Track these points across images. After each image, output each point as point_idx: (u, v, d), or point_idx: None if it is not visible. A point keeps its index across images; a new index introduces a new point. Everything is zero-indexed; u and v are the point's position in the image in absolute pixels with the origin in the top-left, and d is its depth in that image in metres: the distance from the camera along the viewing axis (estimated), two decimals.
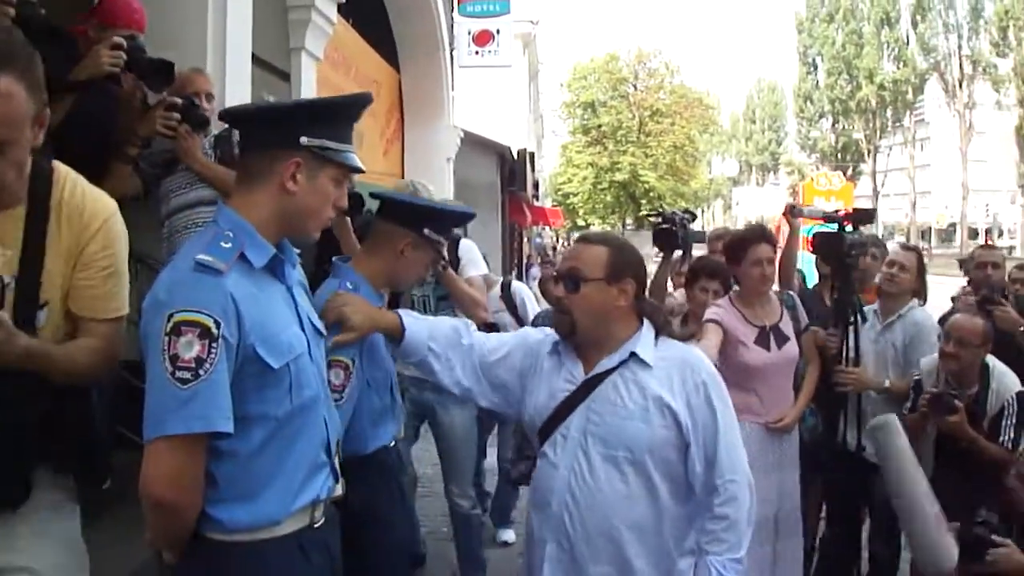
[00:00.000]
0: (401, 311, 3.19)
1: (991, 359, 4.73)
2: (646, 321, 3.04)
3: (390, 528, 3.28)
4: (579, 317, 2.96)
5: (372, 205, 3.61)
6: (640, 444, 2.86)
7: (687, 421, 2.86)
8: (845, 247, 5.05)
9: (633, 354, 2.94)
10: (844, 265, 5.09)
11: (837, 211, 5.58)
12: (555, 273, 3.17)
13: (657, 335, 3.03)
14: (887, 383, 5.10)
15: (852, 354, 5.11)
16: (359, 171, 2.53)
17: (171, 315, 2.05)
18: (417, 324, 3.17)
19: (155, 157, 4.26)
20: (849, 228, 5.13)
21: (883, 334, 5.31)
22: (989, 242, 6.00)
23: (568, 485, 2.92)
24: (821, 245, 5.31)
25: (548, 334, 3.20)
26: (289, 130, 2.35)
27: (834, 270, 5.27)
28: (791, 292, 5.45)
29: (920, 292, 5.47)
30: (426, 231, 3.23)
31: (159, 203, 4.35)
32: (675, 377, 2.91)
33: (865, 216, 5.26)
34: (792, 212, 5.91)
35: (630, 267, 3.00)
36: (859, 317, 5.16)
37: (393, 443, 3.54)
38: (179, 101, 4.14)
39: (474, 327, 3.39)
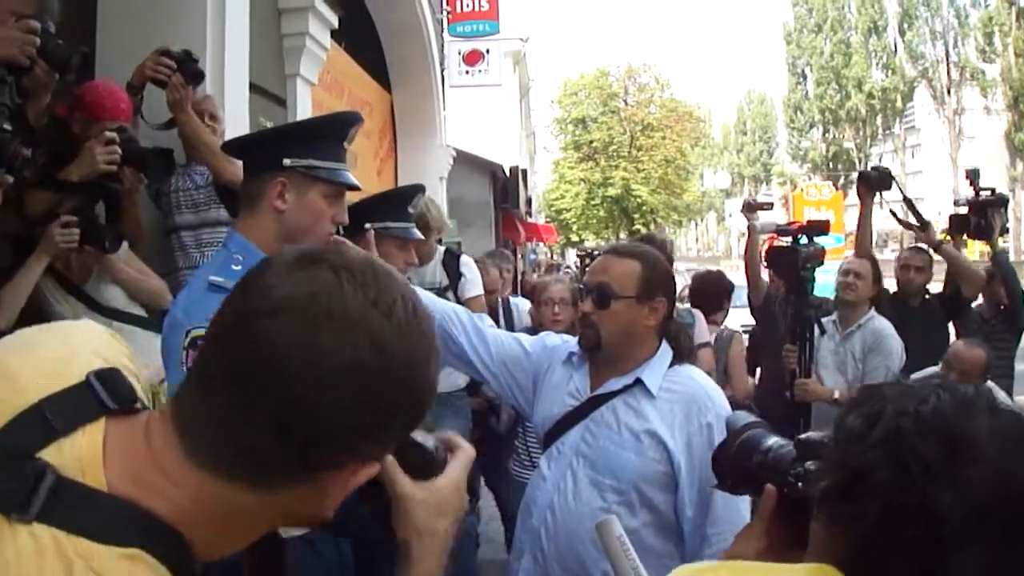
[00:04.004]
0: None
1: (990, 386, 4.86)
2: (664, 344, 2.92)
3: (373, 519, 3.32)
4: (606, 334, 2.85)
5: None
6: (627, 474, 2.75)
7: (681, 461, 2.73)
8: (800, 260, 5.05)
9: (639, 380, 2.83)
10: (799, 278, 5.09)
11: (791, 223, 5.61)
12: (581, 286, 3.03)
13: (676, 361, 2.91)
14: (836, 394, 5.15)
15: (808, 366, 5.16)
16: (353, 188, 2.66)
17: (189, 331, 2.21)
18: (428, 295, 3.06)
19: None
20: (804, 240, 5.13)
21: (843, 344, 5.37)
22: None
23: (551, 501, 2.85)
24: (776, 259, 5.29)
25: (566, 340, 3.10)
26: (272, 153, 2.50)
27: (789, 284, 5.26)
28: (691, 309, 5.53)
29: (878, 299, 5.57)
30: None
31: (170, 210, 4.33)
32: (679, 413, 2.78)
33: (819, 228, 5.29)
34: (749, 208, 6.02)
35: (662, 285, 2.90)
36: (816, 330, 5.21)
37: None
38: (174, 52, 4.03)
39: (489, 321, 3.27)
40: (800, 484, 1.55)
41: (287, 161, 2.48)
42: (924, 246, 6.22)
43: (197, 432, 0.99)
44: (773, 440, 1.70)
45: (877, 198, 6.14)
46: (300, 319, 0.96)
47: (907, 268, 6.16)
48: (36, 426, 0.97)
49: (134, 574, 0.91)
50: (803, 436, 1.61)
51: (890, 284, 6.19)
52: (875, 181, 5.98)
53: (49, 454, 0.95)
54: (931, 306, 6.13)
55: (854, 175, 51.07)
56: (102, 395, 1.02)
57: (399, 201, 3.84)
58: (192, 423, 1.00)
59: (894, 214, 6.26)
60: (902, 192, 6.05)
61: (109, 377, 1.05)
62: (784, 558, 1.52)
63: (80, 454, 0.96)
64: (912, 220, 6.40)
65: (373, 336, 0.98)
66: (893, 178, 5.98)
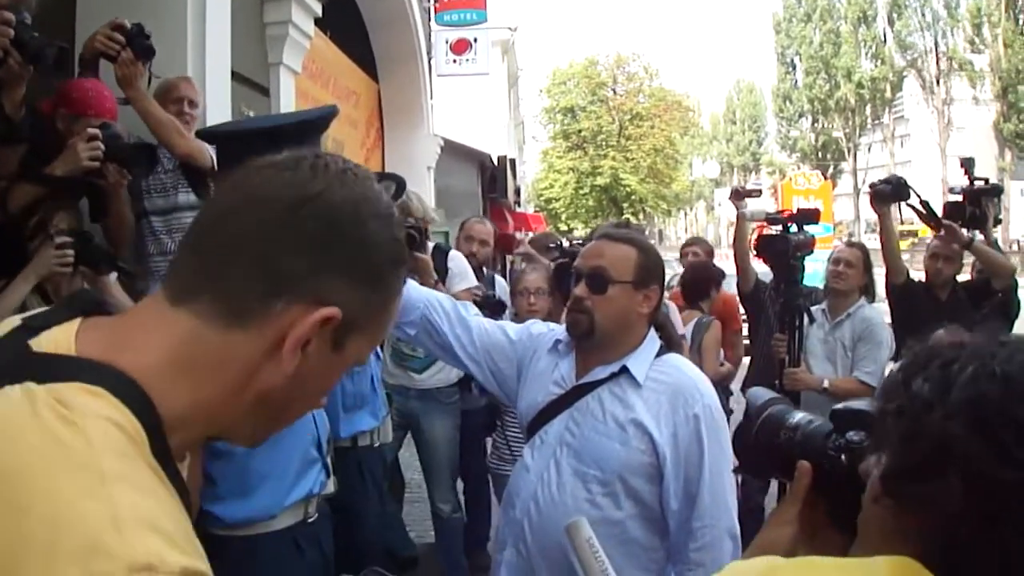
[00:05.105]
0: None
1: None
2: (651, 333, 2.88)
3: (358, 520, 3.31)
4: (600, 320, 2.77)
5: None
6: (612, 464, 2.69)
7: (667, 452, 2.67)
8: (790, 248, 5.02)
9: (625, 368, 2.77)
10: (789, 267, 5.05)
11: (780, 212, 5.58)
12: (573, 269, 2.94)
13: (663, 351, 2.86)
14: (826, 383, 5.13)
15: (797, 355, 5.14)
16: None
17: None
18: (412, 284, 3.02)
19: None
20: (793, 228, 5.10)
21: (832, 332, 5.35)
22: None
23: (534, 492, 2.79)
24: (765, 247, 5.25)
25: (552, 328, 3.06)
26: (275, 147, 2.45)
27: (779, 272, 5.23)
28: (665, 300, 5.54)
29: (868, 288, 5.54)
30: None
31: (139, 194, 4.27)
32: (665, 404, 2.72)
33: (809, 216, 5.25)
34: (737, 196, 5.99)
35: (656, 273, 2.87)
36: (805, 319, 5.18)
37: (378, 444, 3.61)
38: (127, 24, 3.91)
39: (474, 309, 3.20)
40: (843, 456, 1.45)
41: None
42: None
43: (182, 272, 1.09)
44: (800, 415, 1.60)
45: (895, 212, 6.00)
46: (291, 167, 1.13)
47: (936, 258, 5.98)
48: (15, 331, 1.06)
49: (96, 405, 0.95)
50: (839, 407, 1.53)
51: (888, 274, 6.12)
52: (890, 194, 5.83)
53: (31, 342, 1.04)
54: (960, 298, 6.04)
55: (843, 164, 51.20)
56: (74, 303, 1.12)
57: None
58: (179, 267, 1.11)
59: (916, 211, 6.13)
60: (919, 197, 5.93)
61: (81, 294, 1.18)
62: (819, 541, 1.46)
63: (53, 336, 1.03)
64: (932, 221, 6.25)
65: (338, 178, 1.12)
66: (910, 187, 5.86)
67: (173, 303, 1.06)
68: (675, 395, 2.73)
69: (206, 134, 3.02)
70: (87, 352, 1.02)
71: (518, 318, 4.84)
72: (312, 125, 2.67)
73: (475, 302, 4.40)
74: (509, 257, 24.36)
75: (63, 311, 1.09)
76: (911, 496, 1.11)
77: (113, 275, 3.69)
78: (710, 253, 7.24)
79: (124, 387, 0.99)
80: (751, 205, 6.21)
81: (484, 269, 6.14)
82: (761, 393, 1.71)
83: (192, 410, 1.06)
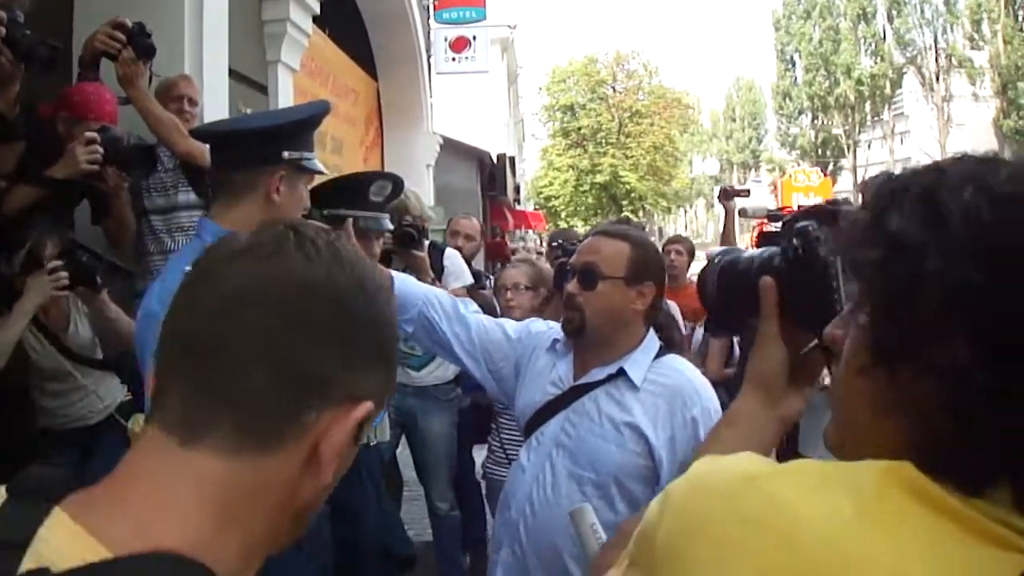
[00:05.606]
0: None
1: None
2: (651, 334, 2.84)
3: (356, 519, 3.30)
4: (591, 317, 2.74)
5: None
6: (607, 467, 2.66)
7: (663, 455, 2.63)
8: None
9: (622, 370, 2.74)
10: None
11: (781, 209, 5.57)
12: (568, 267, 2.92)
13: (663, 353, 2.83)
14: (827, 380, 5.13)
15: None
16: (323, 174, 2.77)
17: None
18: (409, 279, 3.01)
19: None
20: None
21: None
22: None
23: (529, 494, 2.77)
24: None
25: (552, 327, 3.03)
26: (274, 146, 2.48)
27: None
28: (668, 302, 5.57)
29: None
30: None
31: (139, 193, 4.29)
32: (662, 407, 2.68)
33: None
34: (726, 195, 6.01)
35: (651, 269, 2.82)
36: None
37: (375, 443, 3.60)
38: (128, 23, 3.91)
39: (474, 306, 3.16)
40: (796, 241, 1.41)
41: (286, 154, 2.49)
42: None
43: (179, 404, 0.93)
44: (753, 251, 1.61)
45: None
46: (274, 251, 0.97)
47: None
48: None
49: None
50: (790, 217, 1.50)
51: None
52: None
53: (28, 565, 0.80)
54: None
55: (843, 161, 51.09)
56: (41, 493, 0.89)
57: (356, 187, 3.76)
58: (172, 398, 0.94)
59: None
60: None
61: (23, 482, 0.91)
62: (806, 370, 1.47)
63: (57, 545, 0.82)
64: None
65: (334, 258, 0.99)
66: None
67: (183, 444, 0.90)
68: (673, 398, 2.70)
69: (201, 133, 3.01)
70: (125, 547, 0.83)
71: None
72: (308, 124, 2.68)
73: None
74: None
75: (30, 510, 0.85)
76: (909, 364, 0.86)
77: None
78: (691, 252, 7.28)
79: (186, 571, 0.84)
80: (752, 202, 6.24)
81: (471, 264, 6.16)
82: (713, 251, 1.73)
83: (246, 556, 0.93)
